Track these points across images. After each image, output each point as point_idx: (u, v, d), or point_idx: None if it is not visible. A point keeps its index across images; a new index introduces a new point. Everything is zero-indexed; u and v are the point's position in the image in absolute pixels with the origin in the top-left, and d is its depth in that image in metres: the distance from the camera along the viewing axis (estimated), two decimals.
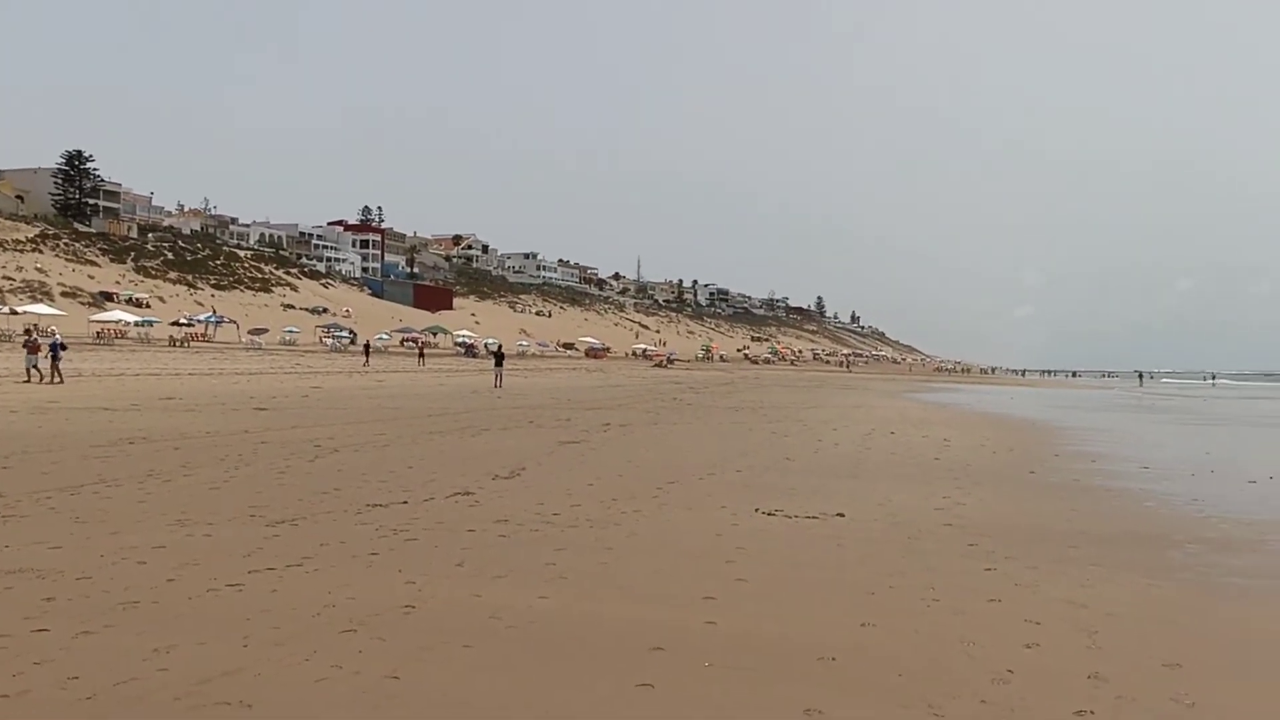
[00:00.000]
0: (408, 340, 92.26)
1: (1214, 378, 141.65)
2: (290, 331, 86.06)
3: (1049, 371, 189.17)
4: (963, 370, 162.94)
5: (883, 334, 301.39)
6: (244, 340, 77.17)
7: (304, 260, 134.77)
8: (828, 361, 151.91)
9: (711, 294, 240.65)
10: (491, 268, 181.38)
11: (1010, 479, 15.93)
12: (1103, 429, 30.81)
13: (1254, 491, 14.95)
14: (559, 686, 5.45)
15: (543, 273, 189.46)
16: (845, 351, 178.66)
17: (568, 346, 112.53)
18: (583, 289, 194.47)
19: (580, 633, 6.49)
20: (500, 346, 57.90)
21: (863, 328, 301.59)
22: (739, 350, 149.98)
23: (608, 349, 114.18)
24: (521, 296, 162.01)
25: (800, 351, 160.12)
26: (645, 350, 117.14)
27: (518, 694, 5.33)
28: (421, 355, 72.41)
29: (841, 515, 11.45)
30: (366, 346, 69.94)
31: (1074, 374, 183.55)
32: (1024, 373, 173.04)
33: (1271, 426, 33.60)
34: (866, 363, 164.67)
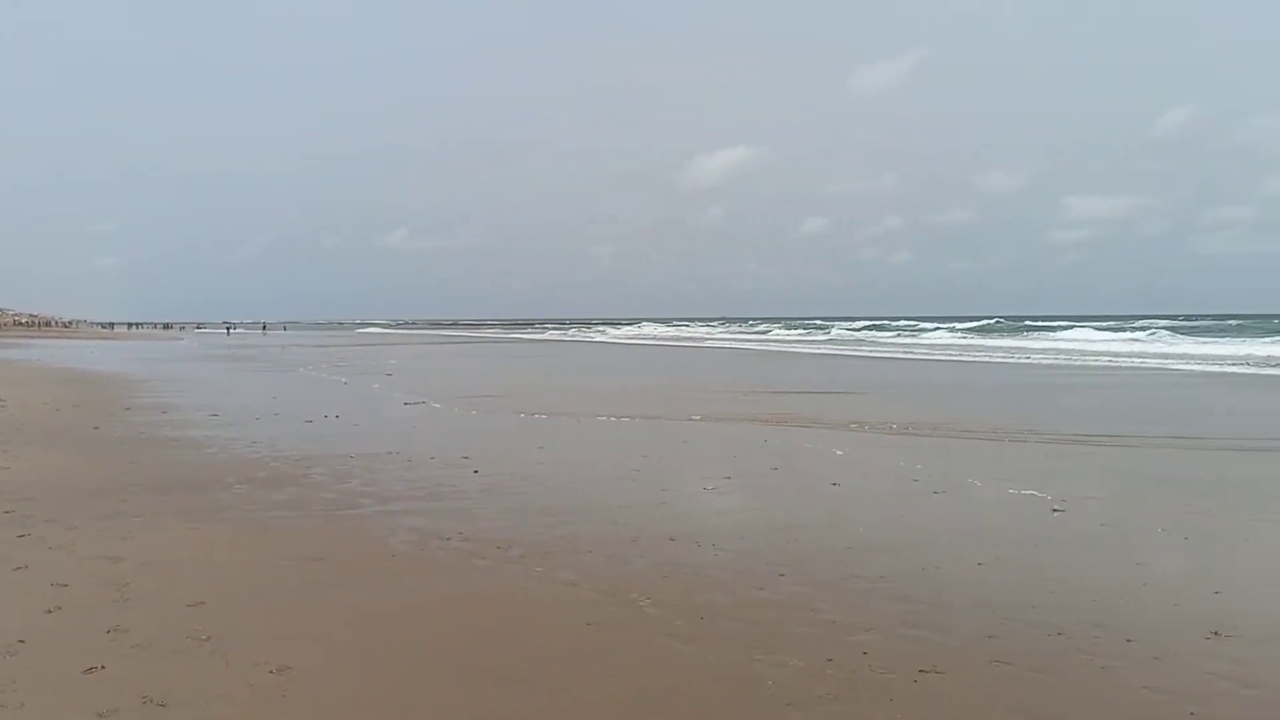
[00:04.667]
0: None
1: (265, 327, 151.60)
2: None
3: (137, 324, 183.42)
4: (40, 324, 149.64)
5: None
6: None
7: None
8: None
9: None
10: None
11: (71, 437, 15.02)
12: (183, 379, 30.80)
13: (309, 430, 16.25)
14: None
15: None
16: None
17: None
18: None
19: None
20: None
21: None
22: None
23: None
24: None
25: None
26: None
27: None
28: None
29: None
30: None
31: (166, 325, 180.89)
32: (112, 325, 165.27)
33: (258, 366, 37.11)
34: None
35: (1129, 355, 45.11)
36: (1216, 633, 5.83)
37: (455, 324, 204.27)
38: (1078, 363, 40.54)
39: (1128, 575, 7.22)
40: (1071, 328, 77.16)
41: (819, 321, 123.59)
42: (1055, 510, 9.50)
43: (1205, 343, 52.77)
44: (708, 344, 71.96)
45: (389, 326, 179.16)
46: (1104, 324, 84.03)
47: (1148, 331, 67.78)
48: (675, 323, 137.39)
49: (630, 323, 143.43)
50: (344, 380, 30.88)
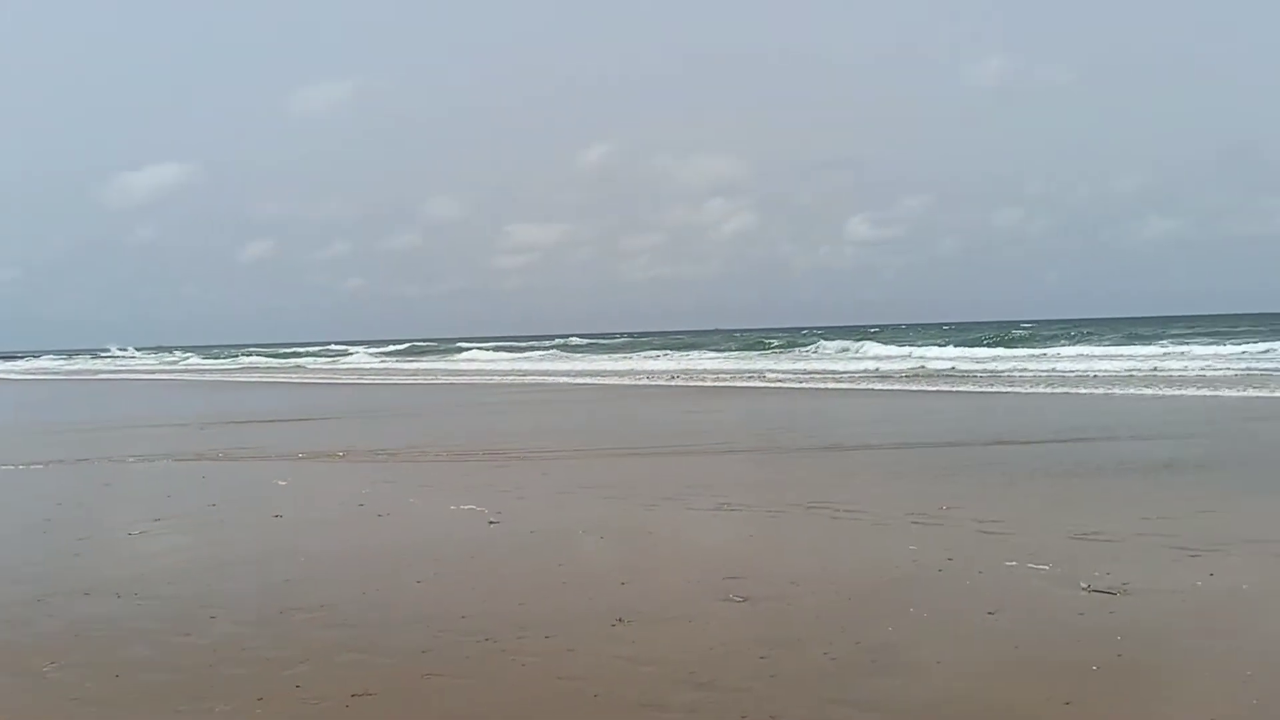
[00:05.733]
0: None
1: None
2: None
3: None
4: None
5: None
6: None
7: None
8: None
9: None
10: None
11: None
12: None
13: None
14: None
15: None
16: None
17: None
18: None
19: None
20: None
21: None
22: None
23: None
24: None
25: None
26: None
27: None
28: None
29: None
30: None
31: None
32: None
33: None
34: None
35: (520, 373, 49.29)
36: (621, 619, 6.54)
37: None
38: (475, 381, 43.44)
39: (551, 576, 7.86)
40: (470, 349, 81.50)
41: (247, 347, 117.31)
42: (491, 522, 10.05)
43: (607, 360, 59.16)
44: (103, 376, 65.57)
45: None
46: (524, 343, 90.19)
47: (543, 351, 74.63)
48: (101, 354, 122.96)
49: (31, 356, 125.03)
50: None
